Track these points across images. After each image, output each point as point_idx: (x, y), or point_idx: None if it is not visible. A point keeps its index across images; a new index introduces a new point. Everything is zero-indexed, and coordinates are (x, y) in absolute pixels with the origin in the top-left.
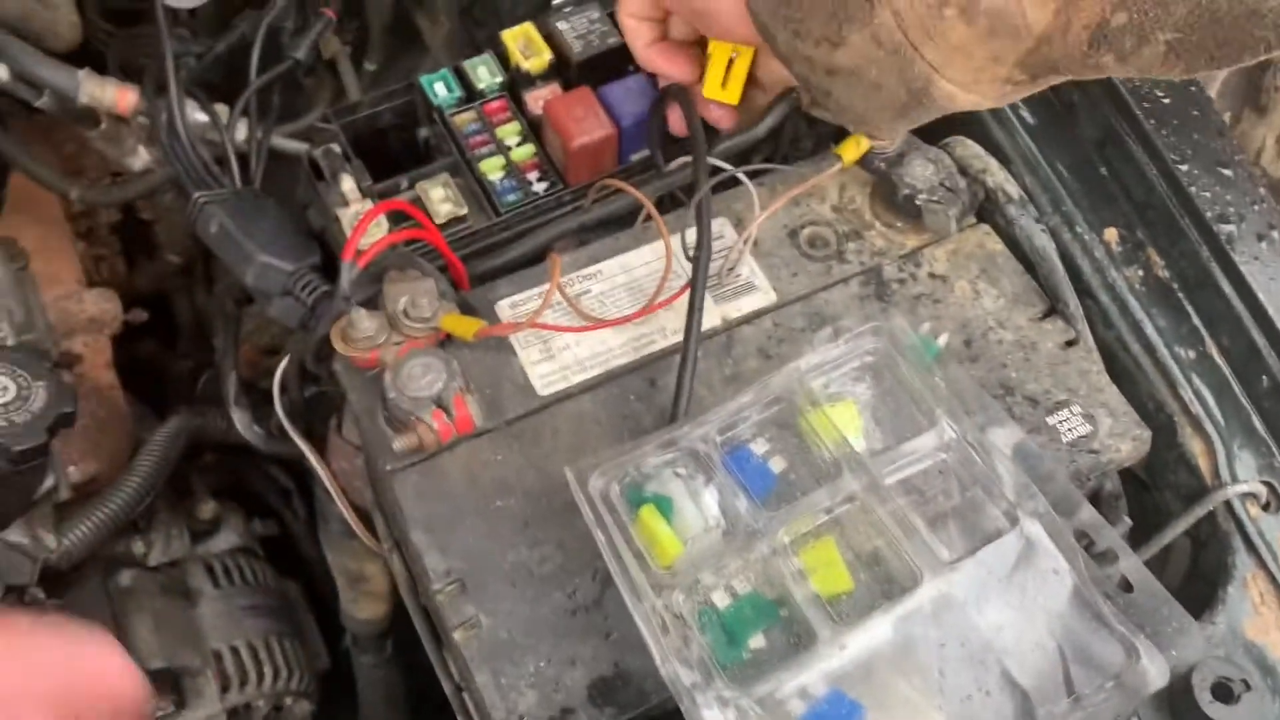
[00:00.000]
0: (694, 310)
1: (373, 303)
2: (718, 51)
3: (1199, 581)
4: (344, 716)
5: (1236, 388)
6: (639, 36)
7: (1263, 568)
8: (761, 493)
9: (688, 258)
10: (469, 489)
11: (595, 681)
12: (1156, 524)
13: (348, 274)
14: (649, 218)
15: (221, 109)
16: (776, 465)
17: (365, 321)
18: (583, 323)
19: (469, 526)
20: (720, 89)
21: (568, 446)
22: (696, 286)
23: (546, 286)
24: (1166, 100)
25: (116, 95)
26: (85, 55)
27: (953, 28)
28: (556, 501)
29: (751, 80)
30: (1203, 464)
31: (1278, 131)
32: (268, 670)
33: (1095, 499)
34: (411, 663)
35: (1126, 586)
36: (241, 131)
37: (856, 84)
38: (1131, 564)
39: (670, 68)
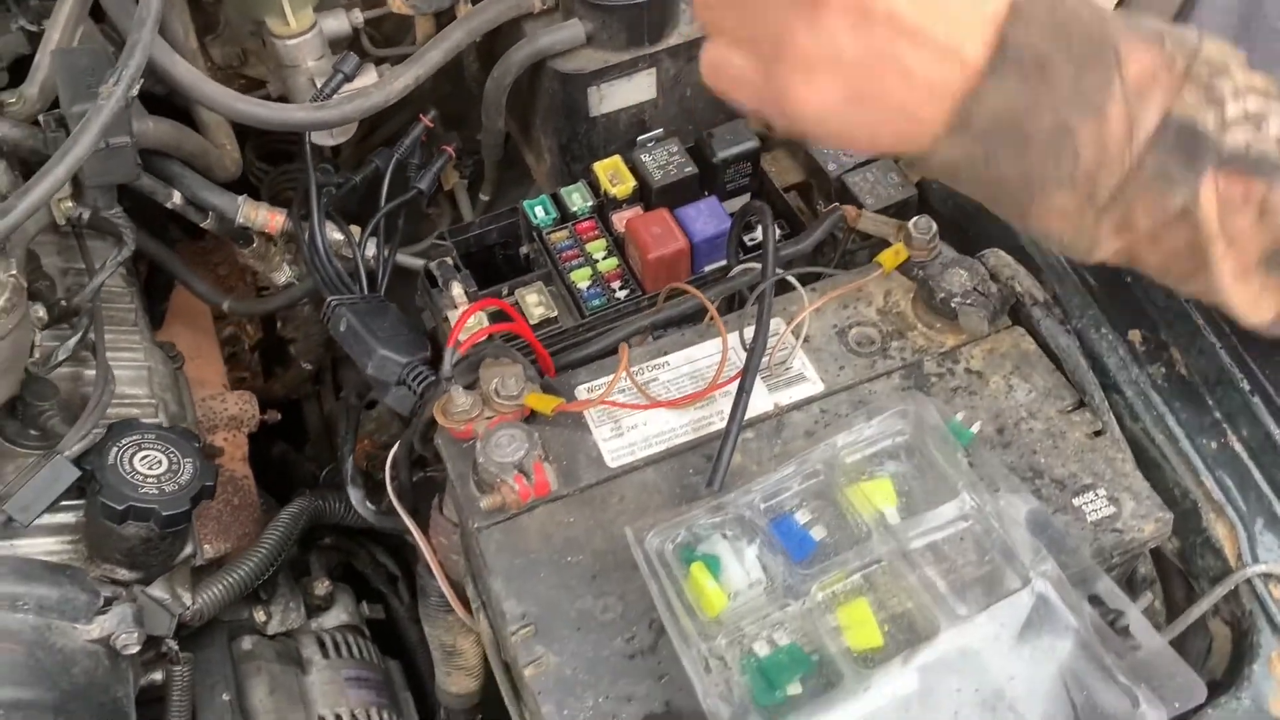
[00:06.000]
0: (741, 391)
1: (472, 386)
2: None
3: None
4: None
5: (1257, 475)
6: None
7: None
8: (802, 556)
9: (745, 350)
10: (544, 545)
11: (648, 717)
12: None
13: (449, 359)
14: (713, 317)
15: (355, 230)
16: (817, 533)
17: (461, 398)
18: (646, 402)
19: (543, 578)
20: None
21: (632, 511)
22: (748, 372)
23: (617, 373)
24: None
25: (268, 217)
26: (242, 187)
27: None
28: (620, 559)
29: None
30: (1227, 547)
31: None
32: None
33: (1129, 581)
34: None
35: (1136, 647)
36: (371, 249)
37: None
38: (1141, 625)
39: None
